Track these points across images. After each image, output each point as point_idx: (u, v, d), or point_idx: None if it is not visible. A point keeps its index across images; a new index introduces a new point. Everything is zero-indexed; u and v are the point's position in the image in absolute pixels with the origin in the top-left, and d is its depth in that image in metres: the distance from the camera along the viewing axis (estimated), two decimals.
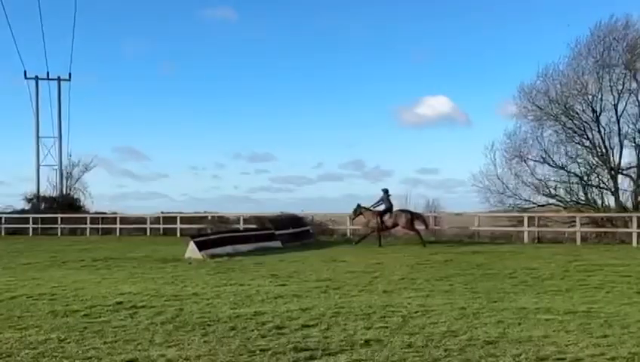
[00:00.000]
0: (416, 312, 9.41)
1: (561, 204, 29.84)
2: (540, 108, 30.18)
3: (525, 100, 30.64)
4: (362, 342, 7.49)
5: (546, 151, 30.13)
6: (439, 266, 16.52)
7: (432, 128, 66.93)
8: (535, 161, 30.31)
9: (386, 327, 8.31)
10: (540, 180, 30.07)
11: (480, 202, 31.10)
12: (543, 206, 29.97)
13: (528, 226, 26.30)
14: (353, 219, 27.18)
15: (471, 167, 50.97)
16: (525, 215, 27.40)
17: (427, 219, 25.97)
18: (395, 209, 25.08)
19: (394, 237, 27.08)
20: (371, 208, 25.40)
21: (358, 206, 25.90)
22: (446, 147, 66.78)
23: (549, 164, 30.06)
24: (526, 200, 30.17)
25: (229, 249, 21.00)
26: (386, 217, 24.82)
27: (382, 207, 25.18)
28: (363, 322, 8.68)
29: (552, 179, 30.17)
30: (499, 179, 30.48)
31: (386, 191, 25.32)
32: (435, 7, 66.14)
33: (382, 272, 15.03)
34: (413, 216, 24.93)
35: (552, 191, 29.99)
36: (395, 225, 24.97)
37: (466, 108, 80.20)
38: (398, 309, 9.67)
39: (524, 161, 30.32)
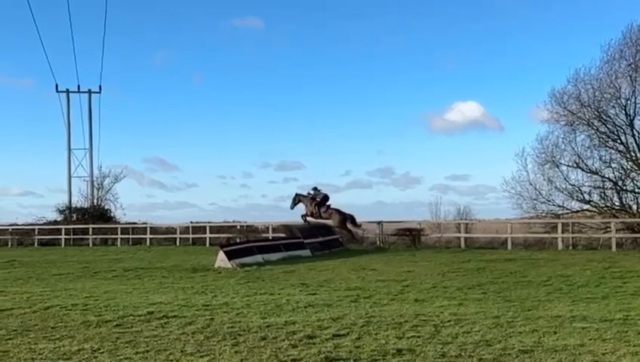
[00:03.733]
0: (448, 321, 9.26)
1: (595, 209, 29.32)
2: (572, 113, 29.75)
3: (557, 105, 30.29)
4: (394, 351, 7.38)
5: (579, 156, 29.69)
6: (471, 274, 16.33)
7: (463, 134, 66.63)
8: (568, 166, 29.88)
9: (419, 337, 8.19)
10: (574, 185, 29.62)
11: (512, 208, 30.76)
12: (576, 212, 29.52)
13: (562, 233, 25.90)
14: (292, 208, 28.35)
15: (503, 172, 50.34)
16: (559, 221, 27.02)
17: (357, 221, 27.75)
18: (333, 206, 27.15)
19: (424, 245, 26.92)
20: (309, 195, 27.23)
21: (296, 195, 27.61)
22: (477, 153, 66.45)
23: (582, 169, 29.59)
24: (559, 206, 29.73)
25: (258, 258, 21.00)
26: (323, 209, 26.78)
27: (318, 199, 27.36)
28: (394, 331, 8.57)
29: (586, 184, 29.72)
30: (531, 184, 30.12)
31: (315, 188, 27.55)
32: (463, 14, 65.88)
33: (413, 280, 14.90)
34: (345, 218, 26.76)
35: (586, 197, 29.52)
36: (328, 219, 26.87)
37: (497, 113, 79.81)
38: (430, 318, 9.54)
39: (557, 166, 29.92)
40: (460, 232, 28.78)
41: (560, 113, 30.10)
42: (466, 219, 30.55)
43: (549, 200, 29.80)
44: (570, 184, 29.66)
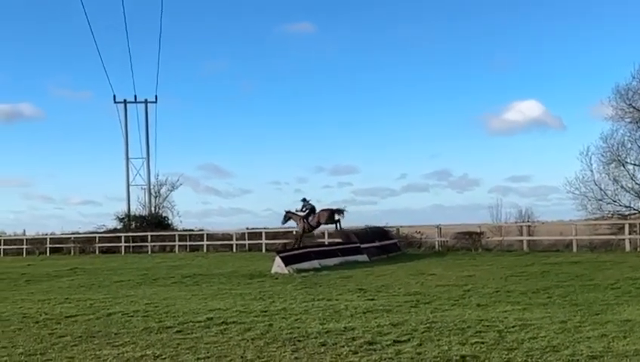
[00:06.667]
0: (513, 327, 8.98)
1: None
2: (638, 110, 28.66)
3: (621, 102, 29.27)
4: (458, 358, 7.18)
5: None
6: (535, 278, 15.89)
7: (523, 134, 65.11)
8: (635, 165, 28.85)
9: (482, 343, 7.94)
10: None
11: (576, 210, 29.85)
12: None
13: (629, 234, 25.01)
14: (283, 224, 28.42)
15: (565, 172, 48.85)
16: (626, 222, 26.11)
17: (342, 212, 27.41)
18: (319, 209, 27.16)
19: (485, 249, 26.38)
20: (297, 213, 27.13)
21: (286, 212, 27.56)
22: (538, 153, 64.76)
23: None
24: (626, 207, 28.77)
25: (315, 263, 20.98)
26: (310, 218, 26.83)
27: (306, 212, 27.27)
28: (457, 337, 8.34)
29: None
30: (596, 184, 29.23)
31: (304, 199, 27.39)
32: (517, 12, 64.52)
33: (474, 285, 14.58)
34: (333, 212, 26.71)
35: None
36: (319, 223, 26.94)
37: (559, 111, 77.67)
38: (493, 324, 9.26)
39: (623, 165, 28.89)
40: (522, 235, 28.11)
41: (625, 110, 29.13)
42: (528, 222, 29.84)
43: (615, 201, 28.84)
44: (637, 183, 28.68)
